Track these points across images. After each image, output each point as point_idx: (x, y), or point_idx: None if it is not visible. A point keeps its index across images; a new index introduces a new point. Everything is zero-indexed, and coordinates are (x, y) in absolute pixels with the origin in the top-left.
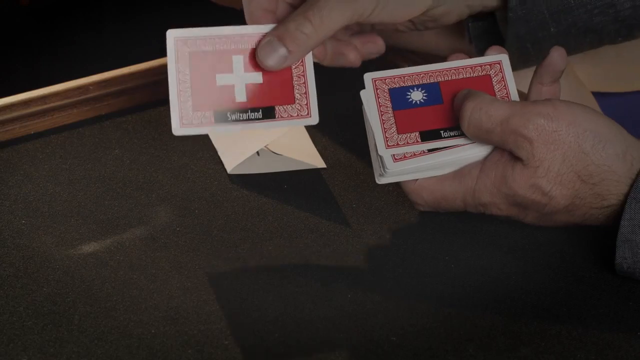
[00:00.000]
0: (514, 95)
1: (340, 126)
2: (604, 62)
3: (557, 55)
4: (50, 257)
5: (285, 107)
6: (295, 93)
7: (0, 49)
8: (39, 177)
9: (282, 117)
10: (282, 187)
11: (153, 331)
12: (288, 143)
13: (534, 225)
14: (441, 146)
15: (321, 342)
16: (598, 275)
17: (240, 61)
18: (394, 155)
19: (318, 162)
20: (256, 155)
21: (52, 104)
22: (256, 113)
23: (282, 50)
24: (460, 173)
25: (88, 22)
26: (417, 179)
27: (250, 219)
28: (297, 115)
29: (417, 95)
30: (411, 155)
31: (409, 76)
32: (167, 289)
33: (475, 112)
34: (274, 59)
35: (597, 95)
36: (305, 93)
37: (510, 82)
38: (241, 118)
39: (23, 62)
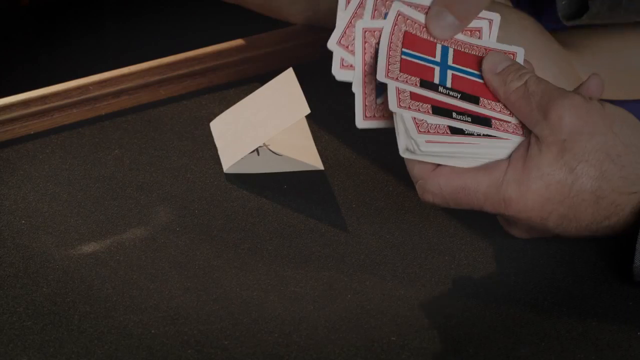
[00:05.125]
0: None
1: (340, 126)
2: (610, 70)
3: (594, 82)
4: (50, 257)
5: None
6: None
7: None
8: (38, 177)
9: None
10: (282, 187)
11: (153, 331)
12: (289, 142)
13: (557, 236)
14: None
15: (321, 342)
16: (598, 275)
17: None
18: (425, 137)
19: (317, 164)
20: (256, 154)
21: (51, 104)
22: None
23: (451, 19)
24: (487, 166)
25: (88, 22)
26: (437, 166)
27: (250, 219)
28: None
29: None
30: (444, 140)
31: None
32: (167, 289)
33: (532, 77)
34: (444, 28)
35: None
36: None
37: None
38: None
39: (23, 62)
